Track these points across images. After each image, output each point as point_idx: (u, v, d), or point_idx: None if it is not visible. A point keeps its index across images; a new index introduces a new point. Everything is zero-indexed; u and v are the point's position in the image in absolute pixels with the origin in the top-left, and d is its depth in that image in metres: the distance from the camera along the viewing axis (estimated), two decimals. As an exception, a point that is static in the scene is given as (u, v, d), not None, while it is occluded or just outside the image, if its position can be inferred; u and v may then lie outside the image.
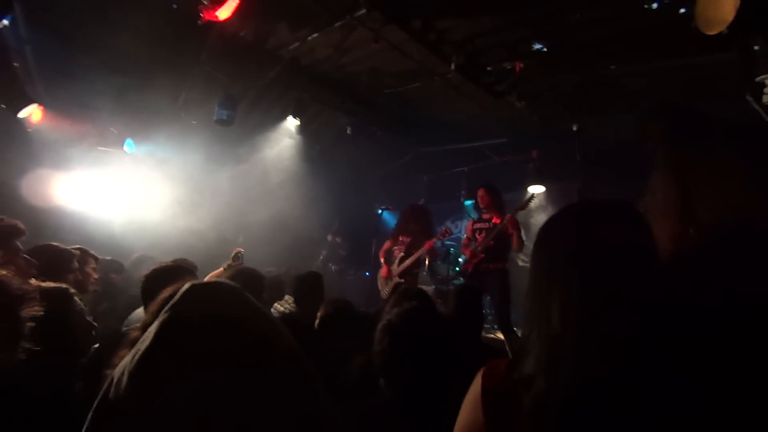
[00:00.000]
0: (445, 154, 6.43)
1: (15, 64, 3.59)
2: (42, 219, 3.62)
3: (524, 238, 3.96)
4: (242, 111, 4.89)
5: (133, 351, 0.51)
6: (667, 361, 0.58)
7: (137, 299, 1.95)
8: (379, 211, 5.57)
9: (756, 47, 2.49)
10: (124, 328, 2.01)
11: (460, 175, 6.33)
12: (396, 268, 4.37)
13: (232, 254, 3.17)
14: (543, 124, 5.34)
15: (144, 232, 4.49)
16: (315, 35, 4.01)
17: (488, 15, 3.65)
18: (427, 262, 4.87)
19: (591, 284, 0.63)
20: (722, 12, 2.35)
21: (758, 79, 2.48)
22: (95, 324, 1.47)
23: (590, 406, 0.58)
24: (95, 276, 2.57)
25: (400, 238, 4.43)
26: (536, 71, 4.22)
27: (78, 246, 2.51)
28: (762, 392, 0.55)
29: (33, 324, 0.95)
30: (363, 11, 3.50)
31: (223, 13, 3.21)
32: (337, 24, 3.76)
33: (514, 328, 3.83)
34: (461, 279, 4.84)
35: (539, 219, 5.34)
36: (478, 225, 4.27)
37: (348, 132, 5.78)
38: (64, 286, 1.32)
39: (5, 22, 3.25)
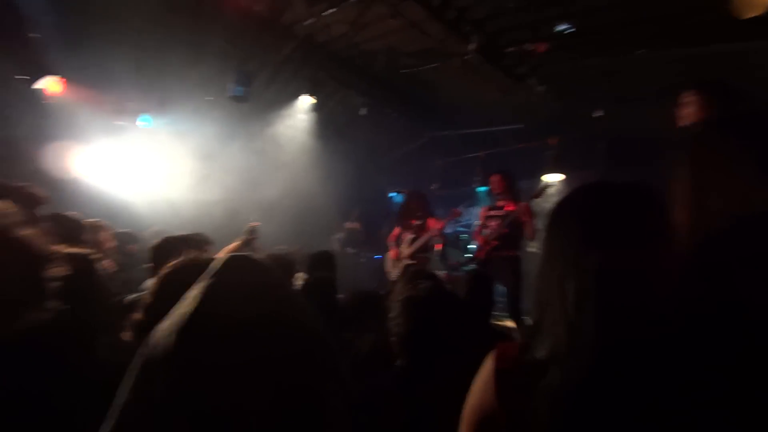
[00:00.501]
0: (459, 138, 6.32)
1: (32, 35, 3.61)
2: (57, 191, 3.69)
3: (538, 226, 3.90)
4: (257, 88, 4.86)
5: (176, 313, 0.54)
6: (689, 350, 0.56)
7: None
8: (391, 195, 5.54)
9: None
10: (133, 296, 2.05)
11: (474, 161, 6.23)
12: (406, 250, 4.35)
13: (248, 228, 3.15)
14: (563, 109, 5.18)
15: (160, 205, 4.56)
16: (331, 10, 3.92)
17: (511, -8, 3.53)
18: (437, 248, 4.85)
19: (609, 267, 0.61)
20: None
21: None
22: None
23: (607, 395, 0.57)
24: (109, 244, 2.61)
25: (410, 222, 4.40)
26: (559, 54, 4.07)
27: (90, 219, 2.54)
28: None
29: (59, 284, 0.97)
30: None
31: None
32: (354, -3, 3.66)
33: (525, 317, 3.81)
34: (472, 266, 4.81)
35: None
36: (492, 212, 4.20)
37: (363, 113, 5.72)
38: (86, 250, 1.34)
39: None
